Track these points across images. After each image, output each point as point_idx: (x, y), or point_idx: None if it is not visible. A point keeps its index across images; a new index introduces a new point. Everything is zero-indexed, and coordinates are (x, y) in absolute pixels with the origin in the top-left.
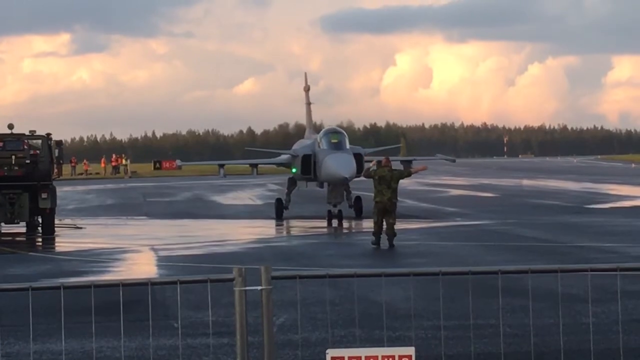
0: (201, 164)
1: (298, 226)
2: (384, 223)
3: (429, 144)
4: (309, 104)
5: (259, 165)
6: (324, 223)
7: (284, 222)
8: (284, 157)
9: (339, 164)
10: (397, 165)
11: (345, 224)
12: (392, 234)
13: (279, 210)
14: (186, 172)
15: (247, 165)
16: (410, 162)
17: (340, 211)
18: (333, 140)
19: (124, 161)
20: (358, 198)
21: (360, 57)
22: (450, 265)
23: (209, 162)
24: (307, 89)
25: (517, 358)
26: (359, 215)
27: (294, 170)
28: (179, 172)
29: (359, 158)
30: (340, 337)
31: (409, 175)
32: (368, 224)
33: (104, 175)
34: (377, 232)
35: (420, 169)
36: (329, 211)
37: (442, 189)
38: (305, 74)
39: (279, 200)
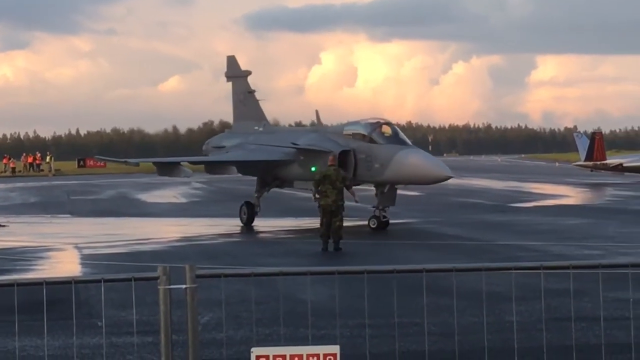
0: (160, 161)
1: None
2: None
3: None
4: (251, 92)
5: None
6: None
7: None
8: (279, 152)
9: (431, 161)
10: None
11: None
12: (338, 236)
13: (250, 215)
14: (111, 170)
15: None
16: None
17: (387, 218)
18: (388, 133)
19: (48, 159)
20: None
21: (285, 56)
22: (375, 263)
23: (167, 158)
24: (247, 74)
25: (442, 356)
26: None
27: (313, 169)
28: (104, 170)
29: None
30: (265, 336)
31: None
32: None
33: (23, 172)
34: (324, 235)
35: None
36: (376, 216)
37: (366, 186)
38: (234, 56)
39: (249, 205)
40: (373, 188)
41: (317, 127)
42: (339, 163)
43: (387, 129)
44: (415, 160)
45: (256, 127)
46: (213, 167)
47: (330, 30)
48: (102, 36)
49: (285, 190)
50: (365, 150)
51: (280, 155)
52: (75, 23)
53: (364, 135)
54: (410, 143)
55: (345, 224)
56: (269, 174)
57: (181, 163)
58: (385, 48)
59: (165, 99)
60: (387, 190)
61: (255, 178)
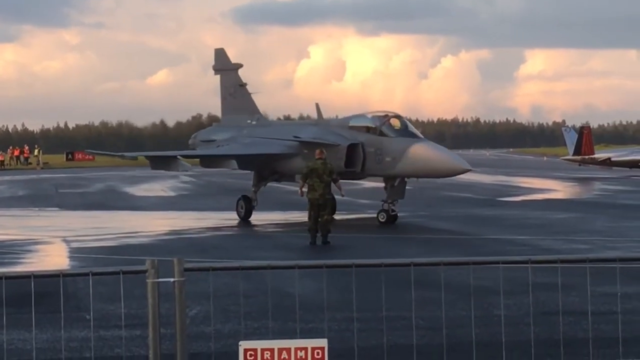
0: (157, 154)
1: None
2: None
3: None
4: (242, 85)
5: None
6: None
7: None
8: (281, 145)
9: (446, 154)
10: None
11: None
12: (326, 230)
13: (248, 210)
14: (99, 163)
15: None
16: None
17: (396, 212)
18: (398, 126)
19: (36, 152)
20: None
21: (274, 49)
22: (363, 257)
23: (164, 152)
24: (237, 67)
25: (430, 350)
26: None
27: None
28: (92, 163)
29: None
30: (254, 329)
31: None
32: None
33: (10, 165)
34: (312, 229)
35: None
36: (385, 210)
37: (355, 180)
38: (223, 49)
39: (246, 199)
40: (359, 182)
41: (318, 120)
42: (347, 156)
43: (396, 122)
44: (431, 153)
45: (249, 121)
46: (210, 161)
47: (319, 24)
48: (90, 29)
49: (276, 184)
50: (375, 143)
51: (282, 148)
52: (63, 16)
53: (370, 128)
54: (421, 136)
55: (336, 217)
56: (268, 167)
57: (178, 157)
58: (373, 42)
59: (153, 92)
60: (397, 183)
61: (249, 172)
